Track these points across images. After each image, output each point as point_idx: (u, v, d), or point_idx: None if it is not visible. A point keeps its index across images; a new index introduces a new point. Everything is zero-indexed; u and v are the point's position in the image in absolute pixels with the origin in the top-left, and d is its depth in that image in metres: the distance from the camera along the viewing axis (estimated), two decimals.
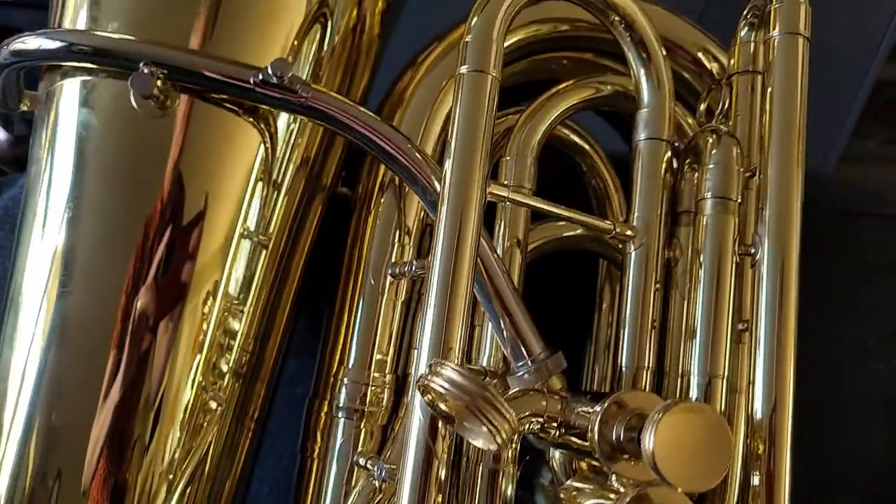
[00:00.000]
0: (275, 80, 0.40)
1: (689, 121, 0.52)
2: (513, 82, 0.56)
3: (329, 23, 0.48)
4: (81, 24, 0.45)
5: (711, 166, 0.44)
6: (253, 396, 0.48)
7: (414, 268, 0.45)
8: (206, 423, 0.45)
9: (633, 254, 0.45)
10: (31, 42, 0.43)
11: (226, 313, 0.45)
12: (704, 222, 0.44)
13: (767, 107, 0.44)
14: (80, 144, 0.44)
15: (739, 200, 0.44)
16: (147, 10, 0.44)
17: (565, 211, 0.44)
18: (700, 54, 0.54)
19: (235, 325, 0.46)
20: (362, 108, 0.43)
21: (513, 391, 0.41)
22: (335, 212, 0.52)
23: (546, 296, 0.53)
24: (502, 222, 0.46)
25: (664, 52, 0.46)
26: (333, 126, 0.43)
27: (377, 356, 0.48)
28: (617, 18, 0.46)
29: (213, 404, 0.45)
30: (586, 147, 0.56)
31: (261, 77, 0.41)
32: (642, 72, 0.46)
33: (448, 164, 0.39)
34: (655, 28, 0.46)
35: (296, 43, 0.46)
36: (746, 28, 0.48)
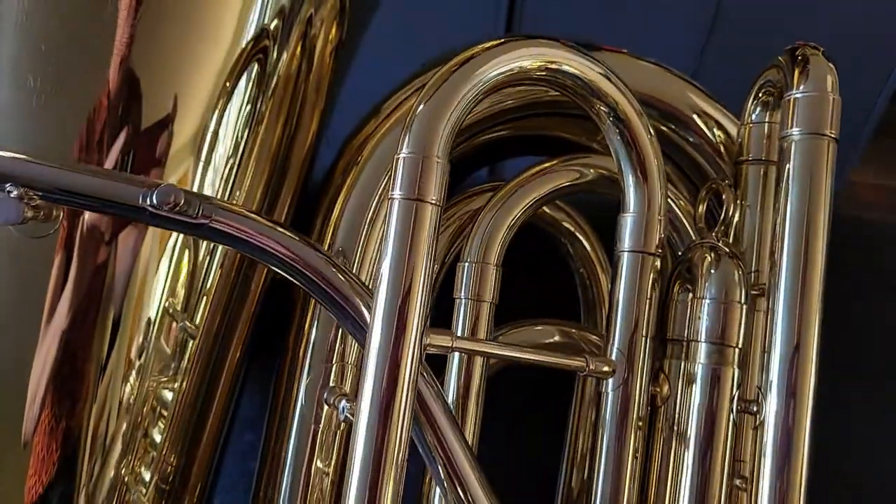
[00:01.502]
0: (166, 208, 0.33)
1: (682, 203, 0.43)
2: (493, 140, 0.48)
3: (269, 57, 0.41)
4: None
5: (707, 301, 0.36)
6: None
7: (345, 413, 0.38)
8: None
9: (610, 394, 0.37)
10: None
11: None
12: (697, 371, 0.36)
13: (779, 219, 0.36)
14: None
15: (739, 345, 0.36)
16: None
17: (531, 355, 0.36)
18: (700, 121, 0.45)
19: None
20: (280, 228, 0.35)
21: None
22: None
23: (519, 398, 0.46)
24: (452, 369, 0.39)
25: (660, 153, 0.38)
26: (243, 250, 0.35)
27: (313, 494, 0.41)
28: (604, 109, 0.37)
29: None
30: (571, 227, 0.48)
31: (151, 201, 0.33)
32: (630, 177, 0.38)
33: (376, 313, 0.32)
34: (648, 126, 0.38)
35: (228, 83, 0.40)
36: (759, 108, 0.40)
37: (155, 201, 0.33)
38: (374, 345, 0.32)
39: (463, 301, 0.40)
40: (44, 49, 0.36)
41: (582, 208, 0.48)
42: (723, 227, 0.38)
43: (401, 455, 0.32)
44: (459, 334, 0.40)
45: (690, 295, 0.37)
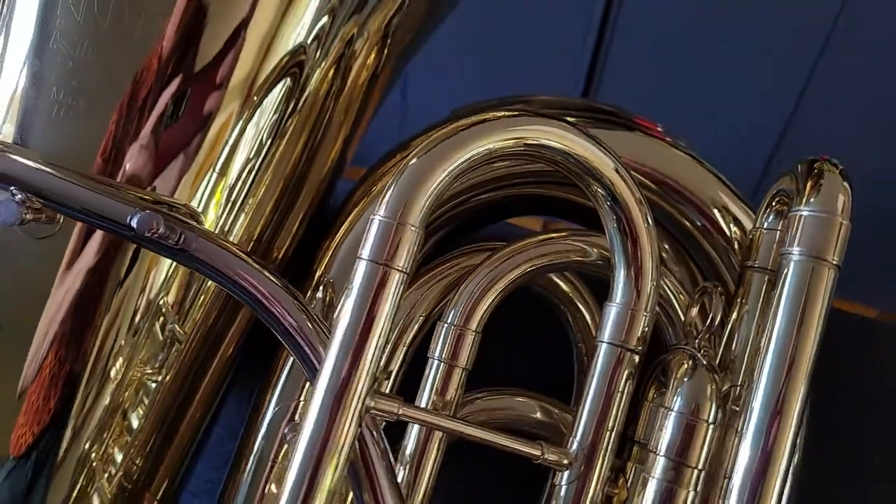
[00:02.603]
0: (147, 234, 0.34)
1: (682, 297, 0.42)
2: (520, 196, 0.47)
3: (303, 73, 0.42)
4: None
5: (673, 413, 0.34)
6: None
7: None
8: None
9: (564, 487, 0.36)
10: None
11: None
12: (650, 485, 0.34)
13: (765, 339, 0.34)
14: None
15: (700, 467, 0.34)
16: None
17: (483, 434, 0.35)
18: (717, 213, 0.43)
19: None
20: (255, 265, 0.36)
21: None
22: None
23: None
24: (411, 435, 0.38)
25: (657, 246, 0.36)
26: (217, 281, 0.36)
27: None
28: (600, 192, 0.36)
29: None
30: (573, 296, 0.47)
31: (134, 225, 0.34)
32: (622, 267, 0.36)
33: (324, 369, 0.32)
34: (648, 216, 0.36)
35: (257, 96, 0.40)
36: (772, 216, 0.37)
37: (136, 226, 0.34)
38: (317, 399, 0.32)
39: (435, 362, 0.40)
40: (71, 65, 0.38)
41: (587, 278, 0.47)
42: (708, 335, 0.36)
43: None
44: (426, 396, 0.39)
45: (661, 403, 0.35)
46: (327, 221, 0.48)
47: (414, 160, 0.33)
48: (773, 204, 0.37)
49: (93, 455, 0.42)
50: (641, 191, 0.36)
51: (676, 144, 0.45)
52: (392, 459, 0.36)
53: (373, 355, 0.32)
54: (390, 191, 0.33)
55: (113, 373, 0.42)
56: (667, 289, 0.41)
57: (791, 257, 0.34)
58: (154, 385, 0.43)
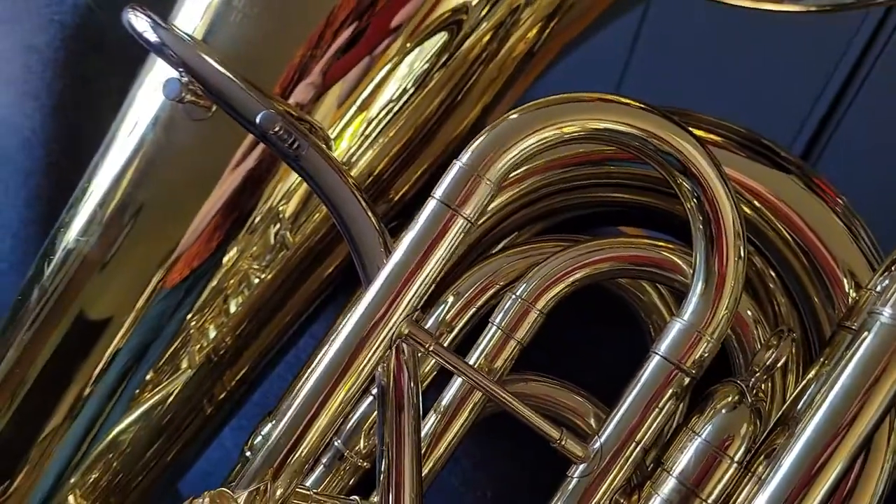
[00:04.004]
0: (270, 132, 0.38)
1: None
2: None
3: (460, 31, 0.43)
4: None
5: (699, 439, 0.32)
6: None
7: None
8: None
9: (573, 480, 0.35)
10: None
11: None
12: (653, 502, 0.33)
13: (820, 393, 0.31)
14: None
15: (710, 502, 0.31)
16: None
17: (509, 398, 0.35)
18: (843, 275, 0.39)
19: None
20: (349, 184, 0.38)
21: None
22: None
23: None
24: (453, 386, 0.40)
25: (743, 277, 0.34)
26: (314, 189, 0.39)
27: None
28: (689, 187, 0.34)
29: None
30: (657, 303, 0.45)
31: (259, 122, 0.39)
32: (700, 284, 0.35)
33: (371, 286, 0.34)
34: (742, 248, 0.34)
35: (410, 43, 0.43)
36: (887, 280, 0.34)
37: (259, 122, 0.38)
38: (358, 311, 0.34)
39: (493, 328, 0.40)
40: None
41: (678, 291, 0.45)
42: (766, 377, 0.34)
43: (343, 407, 0.34)
44: (476, 356, 0.40)
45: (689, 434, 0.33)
46: None
47: (514, 115, 0.34)
48: (893, 269, 0.34)
49: (192, 324, 0.48)
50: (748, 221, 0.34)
51: (833, 201, 0.42)
52: (420, 400, 0.37)
53: (419, 286, 0.34)
54: (479, 140, 0.34)
55: (225, 259, 0.47)
56: (750, 318, 0.38)
57: (878, 317, 0.30)
58: (256, 280, 0.47)
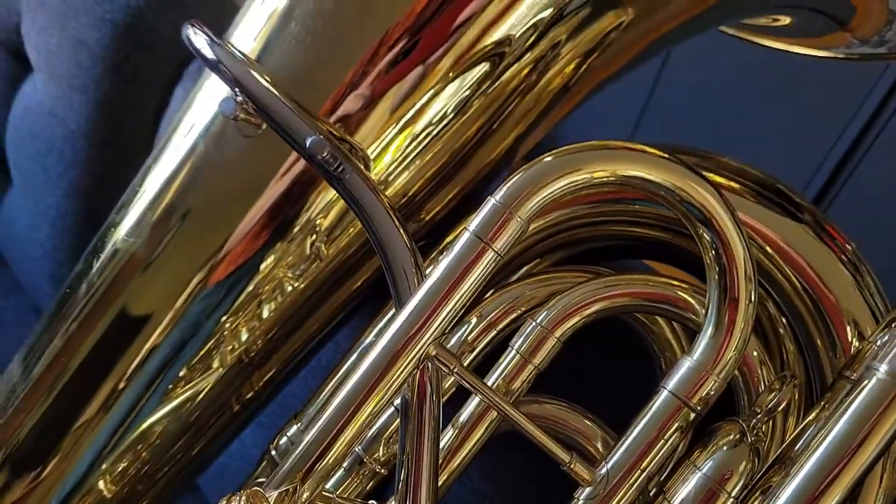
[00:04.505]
0: (317, 158, 0.41)
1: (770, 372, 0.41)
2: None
3: (501, 63, 0.45)
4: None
5: (699, 473, 0.35)
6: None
7: None
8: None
9: (580, 502, 0.38)
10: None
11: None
12: None
13: (816, 439, 0.33)
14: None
15: None
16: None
17: (522, 420, 0.38)
18: (846, 324, 0.41)
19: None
20: (389, 213, 0.41)
21: None
22: None
23: None
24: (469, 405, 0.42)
25: (752, 321, 0.36)
26: (355, 213, 0.42)
27: None
28: (708, 238, 0.37)
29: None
30: (670, 339, 0.47)
31: (307, 145, 0.41)
32: (711, 326, 0.37)
33: (402, 311, 0.37)
34: (753, 292, 0.36)
35: (453, 72, 0.45)
36: (888, 336, 0.36)
37: (308, 146, 0.41)
38: (391, 331, 0.37)
39: (513, 352, 0.43)
40: (313, 7, 0.46)
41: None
42: (767, 419, 0.36)
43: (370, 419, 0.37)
44: (494, 377, 0.43)
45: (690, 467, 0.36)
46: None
47: (549, 158, 0.37)
48: (892, 326, 0.36)
49: (227, 326, 0.50)
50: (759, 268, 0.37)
51: (842, 249, 0.44)
52: (441, 415, 0.40)
53: (448, 312, 0.36)
54: (513, 179, 0.36)
55: (262, 266, 0.49)
56: (756, 360, 0.41)
57: (874, 373, 0.33)
58: (289, 288, 0.50)
